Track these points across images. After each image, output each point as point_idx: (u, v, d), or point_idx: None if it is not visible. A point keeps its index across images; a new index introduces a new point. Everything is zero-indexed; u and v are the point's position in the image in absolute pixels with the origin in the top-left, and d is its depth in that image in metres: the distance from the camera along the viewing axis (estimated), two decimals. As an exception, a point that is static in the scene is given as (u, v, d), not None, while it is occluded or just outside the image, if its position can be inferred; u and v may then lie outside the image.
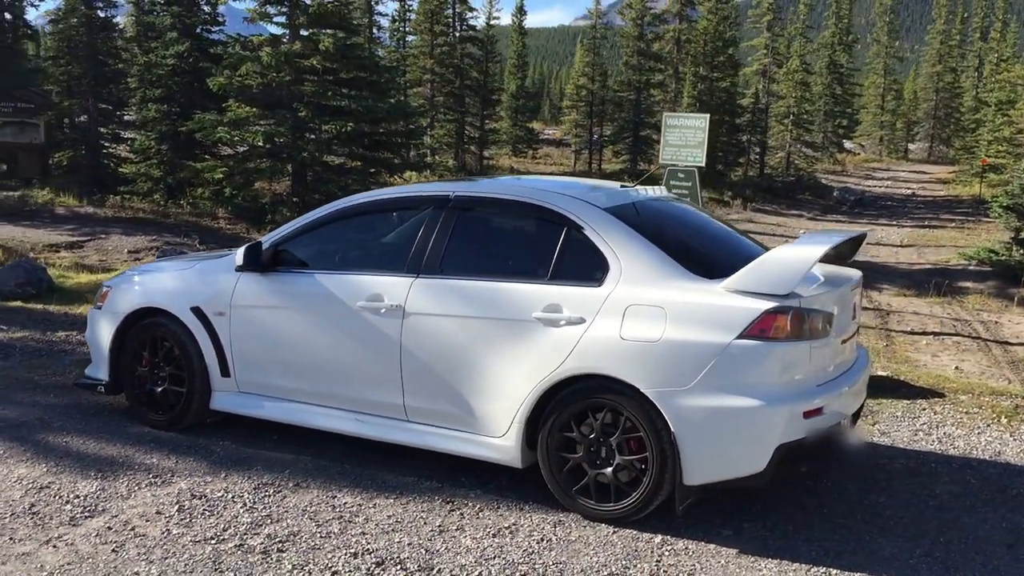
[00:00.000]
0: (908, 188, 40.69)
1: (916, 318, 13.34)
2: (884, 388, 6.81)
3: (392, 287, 4.75)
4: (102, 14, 24.94)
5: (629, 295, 4.25)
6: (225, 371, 5.28)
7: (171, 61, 22.33)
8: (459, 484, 4.75)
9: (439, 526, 4.29)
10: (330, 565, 3.90)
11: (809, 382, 4.21)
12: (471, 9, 39.73)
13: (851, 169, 50.64)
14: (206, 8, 23.82)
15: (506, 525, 4.30)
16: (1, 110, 23.11)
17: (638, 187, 5.15)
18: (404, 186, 6.59)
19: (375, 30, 40.50)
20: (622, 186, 5.18)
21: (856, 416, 4.82)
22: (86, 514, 4.36)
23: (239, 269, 5.20)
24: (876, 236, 24.41)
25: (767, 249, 4.58)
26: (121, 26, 26.95)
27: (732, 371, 4.04)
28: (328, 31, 20.04)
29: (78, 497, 4.53)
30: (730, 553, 4.08)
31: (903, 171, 51.34)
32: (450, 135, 37.90)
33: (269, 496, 4.57)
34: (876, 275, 17.63)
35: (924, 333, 12.06)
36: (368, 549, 4.04)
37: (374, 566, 3.89)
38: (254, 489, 4.65)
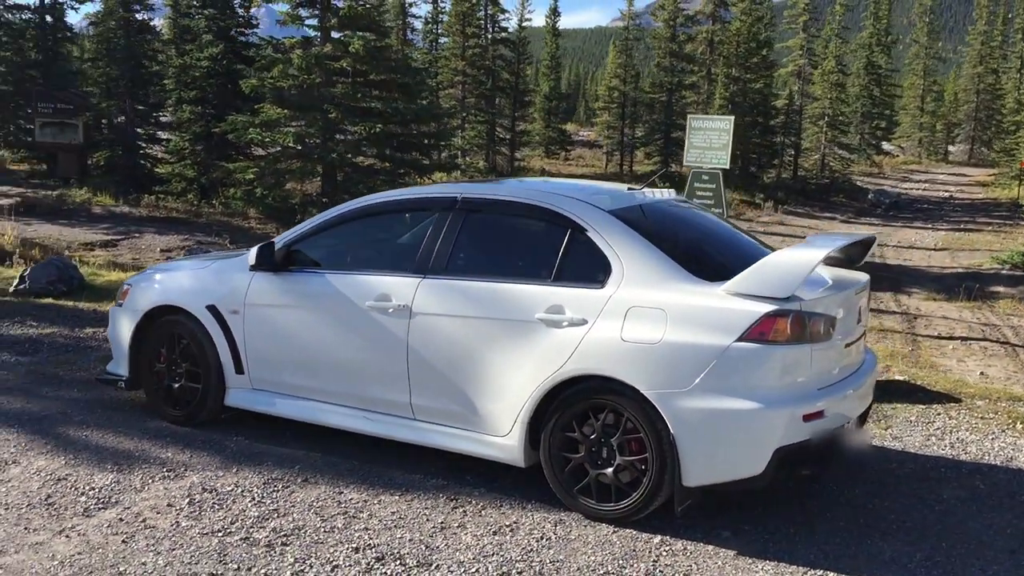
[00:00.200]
0: (946, 191, 40.05)
1: (944, 323, 13.16)
2: (900, 393, 6.76)
3: (400, 287, 4.82)
4: (140, 17, 25.46)
5: (631, 297, 4.28)
6: (239, 368, 5.39)
7: (206, 63, 22.73)
8: (464, 482, 4.81)
9: (441, 523, 4.35)
10: (331, 559, 3.98)
11: (810, 385, 4.21)
12: (503, 11, 39.96)
13: (888, 171, 49.94)
14: (240, 11, 24.20)
15: (507, 523, 4.35)
16: (41, 111, 23.56)
17: (644, 190, 5.17)
18: (414, 188, 6.66)
19: (408, 32, 40.88)
20: (629, 188, 5.21)
21: (863, 419, 4.81)
22: (100, 506, 4.48)
23: (252, 268, 5.30)
24: (910, 239, 24.10)
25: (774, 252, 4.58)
26: (158, 29, 27.44)
27: (731, 374, 4.05)
28: (359, 33, 20.26)
29: (93, 489, 4.66)
30: (728, 554, 4.10)
31: (942, 174, 50.54)
32: (481, 136, 38.09)
33: (278, 491, 4.67)
34: (907, 279, 17.41)
35: (951, 338, 11.89)
36: (370, 544, 4.12)
37: (374, 561, 3.97)
38: (263, 484, 4.74)
